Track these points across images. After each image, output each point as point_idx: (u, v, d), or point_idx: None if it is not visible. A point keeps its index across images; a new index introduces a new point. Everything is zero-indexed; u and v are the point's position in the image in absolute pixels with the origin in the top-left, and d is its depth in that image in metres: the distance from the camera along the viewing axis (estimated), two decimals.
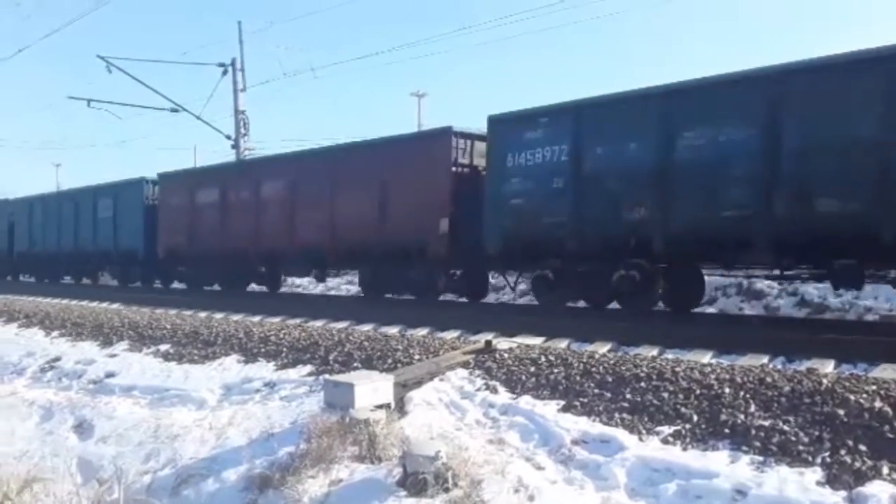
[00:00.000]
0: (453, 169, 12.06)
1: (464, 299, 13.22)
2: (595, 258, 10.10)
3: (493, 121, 11.39)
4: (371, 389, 5.19)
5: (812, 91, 8.31)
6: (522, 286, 13.48)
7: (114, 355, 8.73)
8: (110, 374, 7.92)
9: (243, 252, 15.90)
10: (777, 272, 9.42)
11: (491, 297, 14.11)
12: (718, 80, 9.19)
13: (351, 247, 13.72)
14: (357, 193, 13.53)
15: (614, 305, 10.42)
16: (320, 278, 16.19)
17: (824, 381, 4.75)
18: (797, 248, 8.56)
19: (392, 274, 13.31)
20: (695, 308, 10.58)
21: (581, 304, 10.97)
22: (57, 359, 8.96)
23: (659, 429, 4.57)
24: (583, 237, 10.15)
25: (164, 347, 8.68)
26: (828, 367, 6.00)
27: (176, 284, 19.34)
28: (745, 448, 4.15)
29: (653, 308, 10.05)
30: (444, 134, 12.27)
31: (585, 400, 5.14)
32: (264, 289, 17.41)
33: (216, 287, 17.63)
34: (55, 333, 10.68)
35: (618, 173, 9.86)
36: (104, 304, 14.57)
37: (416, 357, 6.60)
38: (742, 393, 4.75)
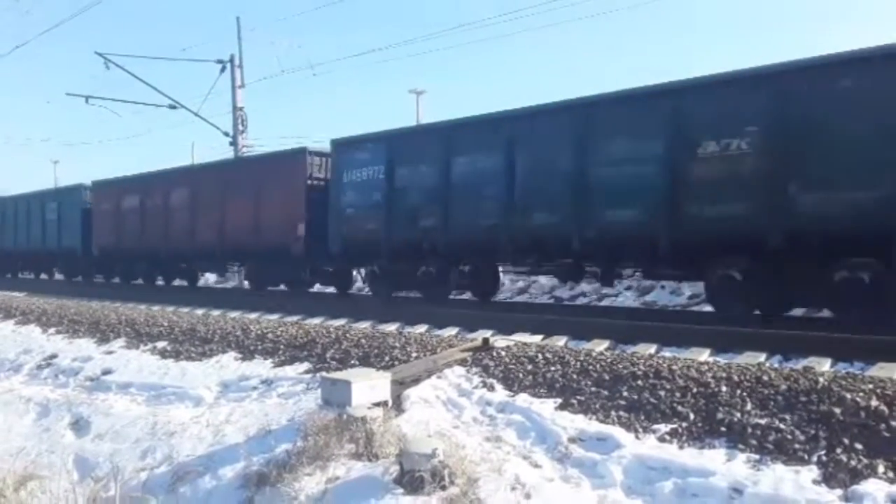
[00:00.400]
0: (309, 182, 14.80)
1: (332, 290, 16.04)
2: (403, 257, 12.94)
3: (334, 143, 14.24)
4: (368, 387, 5.19)
5: (532, 132, 11.12)
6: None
7: (111, 352, 8.72)
8: (107, 371, 7.91)
9: (156, 251, 18.64)
10: (525, 269, 12.76)
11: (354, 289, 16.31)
12: (479, 119, 12.19)
13: (236, 246, 16.57)
14: (240, 202, 16.19)
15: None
16: (221, 273, 19.41)
17: (821, 379, 4.75)
18: (525, 251, 11.44)
19: (268, 269, 16.26)
20: (494, 297, 13.32)
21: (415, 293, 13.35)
22: (54, 356, 8.95)
23: (656, 427, 4.57)
24: (393, 241, 12.97)
25: (161, 344, 8.68)
26: (824, 365, 6.02)
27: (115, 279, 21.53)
28: (741, 446, 4.15)
29: (448, 296, 13.03)
30: (301, 153, 15.17)
31: (582, 398, 5.15)
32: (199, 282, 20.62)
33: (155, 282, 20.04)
34: (52, 330, 10.66)
35: (416, 190, 12.71)
36: (97, 302, 14.55)
37: (414, 355, 6.60)
38: (739, 391, 4.76)
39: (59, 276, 24.23)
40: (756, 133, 8.76)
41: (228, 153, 23.67)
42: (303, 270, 15.47)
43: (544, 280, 13.58)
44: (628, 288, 13.49)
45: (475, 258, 12.50)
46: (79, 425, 6.63)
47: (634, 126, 9.98)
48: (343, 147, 13.99)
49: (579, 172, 10.40)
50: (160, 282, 19.84)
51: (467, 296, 13.57)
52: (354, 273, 15.42)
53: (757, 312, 9.06)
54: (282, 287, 16.41)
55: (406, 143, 13.20)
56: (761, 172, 8.73)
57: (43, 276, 25.11)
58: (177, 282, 20.10)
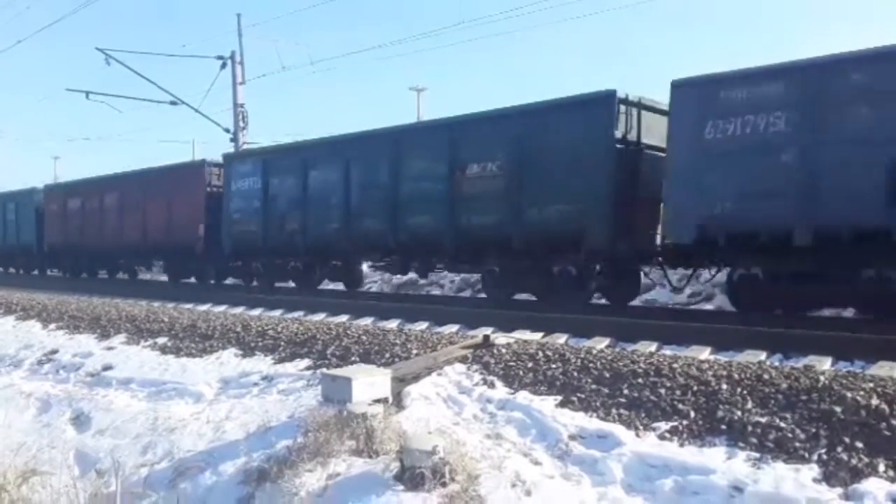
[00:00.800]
0: (208, 189, 17.48)
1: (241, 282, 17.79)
2: (278, 255, 15.81)
3: (225, 157, 16.67)
4: (369, 384, 5.19)
5: (361, 153, 13.97)
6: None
7: (111, 348, 8.72)
8: (108, 367, 7.91)
9: (94, 248, 21.06)
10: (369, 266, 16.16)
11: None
12: (324, 141, 15.52)
13: (155, 245, 19.12)
14: (157, 206, 18.68)
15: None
16: (148, 267, 22.13)
17: (821, 378, 4.75)
18: (361, 251, 14.35)
19: (179, 264, 19.22)
20: (360, 288, 16.06)
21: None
22: (54, 351, 8.96)
23: (656, 425, 4.58)
24: (269, 241, 15.56)
25: (161, 340, 8.68)
26: (825, 364, 6.02)
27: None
28: (741, 444, 4.15)
29: (318, 287, 16.00)
30: (200, 165, 18.16)
31: (583, 395, 5.15)
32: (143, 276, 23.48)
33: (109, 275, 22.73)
34: (52, 326, 10.67)
35: (283, 199, 15.35)
36: (97, 298, 14.55)
37: (414, 352, 6.60)
38: (739, 389, 4.76)
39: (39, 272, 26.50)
40: (502, 159, 11.50)
41: (230, 149, 23.66)
42: (205, 265, 18.17)
43: None
44: None
45: (335, 256, 14.97)
46: (79, 421, 6.63)
47: (428, 151, 12.74)
48: (231, 160, 16.25)
49: (392, 187, 13.13)
50: (104, 275, 22.55)
51: (340, 286, 16.29)
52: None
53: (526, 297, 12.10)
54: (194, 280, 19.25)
55: (276, 159, 15.96)
56: (505, 190, 11.45)
57: (11, 269, 27.64)
58: (120, 275, 22.78)
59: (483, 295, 12.91)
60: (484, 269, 12.43)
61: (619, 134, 10.40)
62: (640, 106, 10.69)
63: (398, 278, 16.53)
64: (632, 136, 10.60)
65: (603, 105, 10.42)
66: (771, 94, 8.82)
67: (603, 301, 11.66)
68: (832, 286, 8.70)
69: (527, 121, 11.38)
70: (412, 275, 14.72)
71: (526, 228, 11.22)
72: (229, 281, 18.37)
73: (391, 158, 13.18)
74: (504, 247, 11.48)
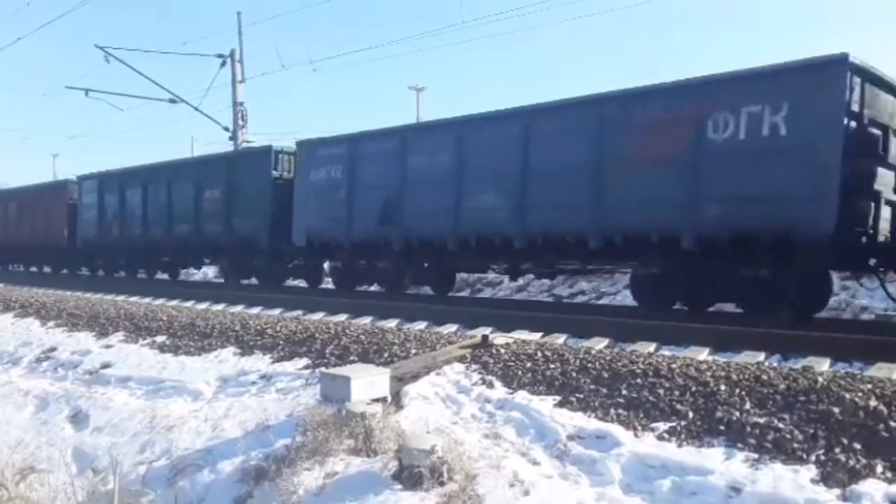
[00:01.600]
0: (70, 202, 22.91)
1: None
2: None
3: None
4: (367, 383, 5.19)
5: (238, 166, 17.36)
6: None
7: (109, 346, 8.71)
8: (106, 365, 7.90)
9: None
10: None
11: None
12: (210, 158, 19.53)
13: (41, 244, 24.40)
14: (42, 214, 24.42)
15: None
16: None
17: (820, 379, 4.76)
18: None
19: (52, 258, 24.77)
20: (284, 281, 17.53)
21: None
22: (53, 349, 8.94)
23: (654, 425, 4.58)
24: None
25: (160, 339, 8.67)
26: (823, 365, 6.02)
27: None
28: (739, 445, 4.15)
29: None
30: (64, 185, 24.08)
31: (581, 396, 5.15)
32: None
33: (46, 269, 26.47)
34: (51, 323, 10.66)
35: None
36: (98, 295, 14.54)
37: (413, 351, 6.60)
38: (738, 390, 4.76)
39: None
40: (222, 187, 17.16)
41: (229, 148, 23.67)
42: (69, 259, 23.94)
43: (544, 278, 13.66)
44: (626, 287, 13.57)
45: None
46: (77, 418, 6.62)
47: (206, 177, 17.95)
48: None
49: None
50: (34, 269, 26.79)
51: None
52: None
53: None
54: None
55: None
56: (224, 209, 17.03)
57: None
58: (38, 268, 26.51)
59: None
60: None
61: None
62: None
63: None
64: None
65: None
66: (337, 153, 14.46)
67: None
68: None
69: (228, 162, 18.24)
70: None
71: (234, 237, 15.46)
72: (292, 282, 17.63)
73: (195, 182, 16.93)
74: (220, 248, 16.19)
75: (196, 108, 23.87)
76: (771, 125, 8.65)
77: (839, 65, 8.22)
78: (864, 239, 8.43)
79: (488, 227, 11.49)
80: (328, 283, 16.65)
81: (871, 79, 8.54)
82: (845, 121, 8.19)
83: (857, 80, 8.32)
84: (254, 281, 17.31)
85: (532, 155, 11.01)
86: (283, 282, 17.32)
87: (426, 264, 13.56)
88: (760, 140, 8.71)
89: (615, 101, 10.23)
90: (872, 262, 9.14)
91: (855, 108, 8.27)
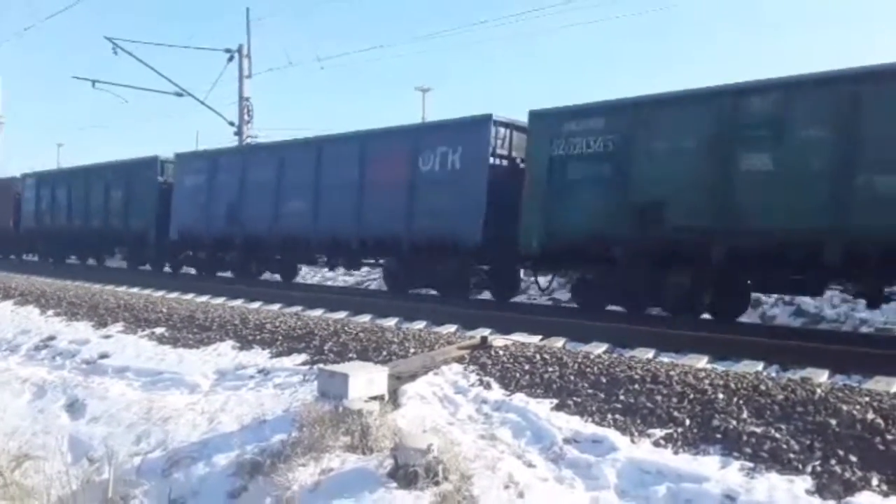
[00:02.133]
0: (16, 195, 25.63)
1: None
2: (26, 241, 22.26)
3: (23, 175, 23.43)
4: (366, 381, 5.19)
5: (134, 173, 20.08)
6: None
7: (108, 336, 8.72)
8: (104, 355, 7.90)
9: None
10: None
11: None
12: (115, 164, 21.35)
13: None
14: (3, 204, 26.45)
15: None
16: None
17: (818, 390, 4.75)
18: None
19: (3, 244, 26.94)
20: (178, 270, 19.81)
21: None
22: (51, 337, 8.95)
23: (651, 431, 4.57)
24: (72, 231, 22.01)
25: (159, 330, 8.68)
26: (822, 376, 6.02)
27: None
28: (735, 454, 4.15)
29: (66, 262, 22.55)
30: (13, 179, 26.83)
31: (579, 399, 5.14)
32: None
33: None
34: (50, 312, 10.67)
35: (77, 204, 22.18)
36: (98, 285, 14.59)
37: (412, 350, 6.60)
38: (735, 399, 4.76)
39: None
40: (123, 190, 20.09)
41: (233, 142, 23.68)
42: (15, 244, 26.25)
43: (543, 281, 13.63)
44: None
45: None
46: (74, 408, 6.62)
47: (112, 180, 20.89)
48: (26, 178, 24.25)
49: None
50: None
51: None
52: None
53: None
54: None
55: (52, 178, 24.23)
56: (124, 208, 20.22)
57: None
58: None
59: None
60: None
61: None
62: None
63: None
64: None
65: None
66: (202, 165, 18.08)
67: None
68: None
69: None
70: None
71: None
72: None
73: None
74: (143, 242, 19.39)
75: (202, 102, 23.91)
76: (452, 161, 12.20)
77: (486, 121, 11.88)
78: (509, 245, 11.22)
79: (295, 229, 14.99)
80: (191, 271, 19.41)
81: (512, 126, 12.07)
82: (490, 159, 11.85)
83: (502, 129, 12.02)
84: (148, 267, 20.58)
85: (321, 174, 14.52)
86: (177, 269, 19.92)
87: (262, 256, 16.93)
88: (447, 172, 12.24)
89: (370, 137, 14.00)
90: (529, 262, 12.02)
91: (498, 150, 11.96)
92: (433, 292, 13.25)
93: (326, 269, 18.05)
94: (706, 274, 9.43)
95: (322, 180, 14.42)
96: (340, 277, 19.42)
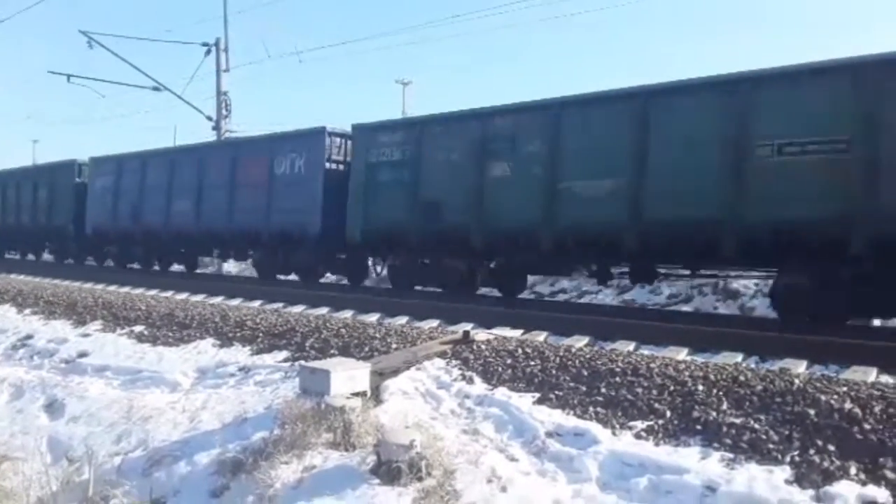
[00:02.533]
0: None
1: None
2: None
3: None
4: (347, 377, 5.17)
5: (56, 174, 22.31)
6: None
7: (87, 335, 8.62)
8: (83, 354, 7.81)
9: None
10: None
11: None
12: (42, 166, 23.85)
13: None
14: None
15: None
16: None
17: (796, 381, 4.80)
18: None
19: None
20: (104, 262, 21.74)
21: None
22: (29, 336, 8.84)
23: (632, 423, 4.60)
24: (9, 227, 24.16)
25: (138, 328, 8.60)
26: (800, 367, 6.08)
27: None
28: (716, 445, 4.18)
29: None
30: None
31: (561, 393, 5.16)
32: None
33: None
34: (27, 311, 10.53)
35: (11, 202, 24.12)
36: (77, 283, 14.43)
37: (394, 346, 6.59)
38: (715, 390, 4.80)
39: None
40: (47, 189, 22.21)
41: (211, 137, 23.49)
42: None
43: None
44: (608, 286, 13.70)
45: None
46: (53, 407, 6.54)
47: (39, 181, 23.08)
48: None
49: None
50: None
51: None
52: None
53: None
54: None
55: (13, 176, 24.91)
56: (48, 206, 22.53)
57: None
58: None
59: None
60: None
61: None
62: None
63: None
64: None
65: None
66: (110, 167, 20.17)
67: None
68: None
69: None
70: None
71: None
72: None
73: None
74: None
75: (179, 97, 23.68)
76: (298, 166, 14.63)
77: (321, 132, 14.32)
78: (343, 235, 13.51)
79: (183, 225, 17.34)
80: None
81: (346, 136, 14.29)
82: (326, 164, 14.18)
83: (337, 139, 14.38)
84: (70, 261, 22.26)
85: (203, 177, 16.92)
86: (101, 262, 21.61)
87: (162, 250, 19.00)
88: (294, 175, 14.69)
89: (240, 144, 17.55)
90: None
91: (333, 156, 14.27)
92: (294, 277, 15.91)
93: (219, 260, 20.81)
94: (475, 259, 11.95)
95: (203, 182, 16.96)
96: (234, 267, 22.02)
